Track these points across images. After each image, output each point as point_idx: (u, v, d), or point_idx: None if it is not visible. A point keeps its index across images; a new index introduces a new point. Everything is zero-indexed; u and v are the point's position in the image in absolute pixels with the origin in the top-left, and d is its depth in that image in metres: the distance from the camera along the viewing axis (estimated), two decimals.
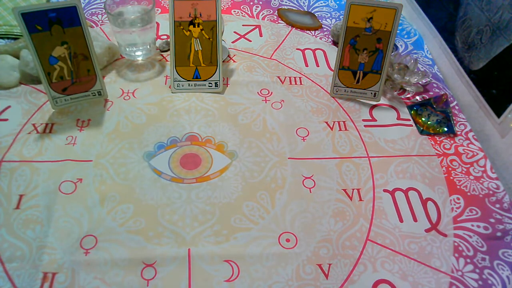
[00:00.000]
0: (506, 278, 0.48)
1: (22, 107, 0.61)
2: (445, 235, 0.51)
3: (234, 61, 0.72)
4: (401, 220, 0.52)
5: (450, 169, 0.58)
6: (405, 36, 0.82)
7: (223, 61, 0.70)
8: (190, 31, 0.64)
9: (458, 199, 0.55)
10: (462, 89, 0.70)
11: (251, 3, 0.87)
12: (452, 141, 0.62)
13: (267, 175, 0.55)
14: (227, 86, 0.68)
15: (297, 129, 0.62)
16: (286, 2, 0.88)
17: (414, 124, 0.64)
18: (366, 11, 0.62)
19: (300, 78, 0.70)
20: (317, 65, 0.73)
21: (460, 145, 0.61)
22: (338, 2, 0.90)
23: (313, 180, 0.56)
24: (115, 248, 0.47)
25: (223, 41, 0.69)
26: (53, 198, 0.51)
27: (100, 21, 0.79)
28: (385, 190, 0.55)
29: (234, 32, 0.79)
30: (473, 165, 0.59)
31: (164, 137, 0.59)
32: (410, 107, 0.67)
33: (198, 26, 0.64)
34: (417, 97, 0.69)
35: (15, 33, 0.73)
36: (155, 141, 0.58)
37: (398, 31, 0.78)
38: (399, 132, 0.63)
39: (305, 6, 0.88)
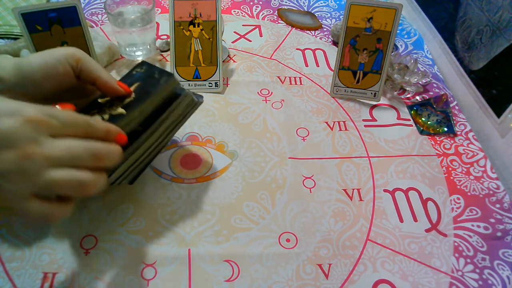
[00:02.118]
0: (506, 278, 0.48)
1: None
2: (445, 235, 0.51)
3: (234, 61, 0.72)
4: (401, 220, 0.52)
5: (450, 169, 0.59)
6: (405, 36, 0.82)
7: (223, 61, 0.70)
8: (190, 31, 0.64)
9: (458, 199, 0.55)
10: (462, 89, 0.70)
11: (251, 3, 0.87)
12: (452, 141, 0.62)
13: (268, 175, 0.55)
14: (227, 86, 0.68)
15: (297, 129, 0.62)
16: (286, 2, 0.88)
17: (414, 124, 0.64)
18: (366, 11, 0.62)
19: (300, 78, 0.70)
20: (317, 65, 0.73)
21: (460, 145, 0.62)
22: (338, 2, 0.90)
23: (313, 180, 0.56)
24: (115, 248, 0.47)
25: (223, 41, 0.69)
26: None
27: (100, 21, 0.79)
28: (385, 190, 0.55)
29: (234, 32, 0.79)
30: (473, 165, 0.59)
31: None
32: (410, 107, 0.67)
33: (198, 26, 0.64)
34: (417, 97, 0.69)
35: (15, 33, 0.73)
36: None
37: (398, 31, 0.78)
38: (399, 132, 0.63)
39: (305, 6, 0.88)
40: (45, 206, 0.34)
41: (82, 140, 0.35)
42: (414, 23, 0.85)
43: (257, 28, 0.80)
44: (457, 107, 0.67)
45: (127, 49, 0.67)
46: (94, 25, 0.78)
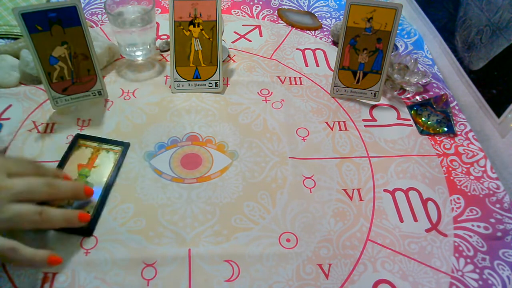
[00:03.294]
0: (506, 278, 0.48)
1: (22, 104, 0.61)
2: (445, 235, 0.51)
3: (234, 61, 0.72)
4: (401, 220, 0.52)
5: (450, 169, 0.59)
6: (405, 36, 0.82)
7: (223, 61, 0.70)
8: (190, 31, 0.64)
9: (459, 199, 0.55)
10: (462, 89, 0.70)
11: (251, 3, 0.87)
12: (452, 141, 0.62)
13: (268, 175, 0.55)
14: (227, 86, 0.68)
15: (297, 129, 0.62)
16: (286, 2, 0.88)
17: (414, 124, 0.64)
18: (366, 11, 0.62)
19: (300, 78, 0.70)
20: (317, 65, 0.73)
21: (460, 145, 0.62)
22: (338, 2, 0.90)
23: (314, 180, 0.56)
24: (115, 248, 0.47)
25: (223, 41, 0.69)
26: None
27: (100, 21, 0.79)
28: (385, 190, 0.55)
29: (234, 32, 0.79)
30: (473, 165, 0.59)
31: (164, 137, 0.59)
32: (410, 107, 0.67)
33: (198, 26, 0.64)
34: (417, 97, 0.69)
35: (15, 33, 0.73)
36: (156, 141, 0.58)
37: (398, 31, 0.78)
38: (399, 132, 0.63)
39: (305, 6, 0.88)
40: (4, 240, 0.39)
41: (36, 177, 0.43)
42: (414, 23, 0.85)
43: (257, 28, 0.80)
44: (457, 107, 0.67)
45: (127, 49, 0.67)
46: (94, 25, 0.78)
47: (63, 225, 0.44)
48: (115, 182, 0.53)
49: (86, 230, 0.47)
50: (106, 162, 0.54)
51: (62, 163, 0.53)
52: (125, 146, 0.57)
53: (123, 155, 0.55)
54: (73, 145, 0.55)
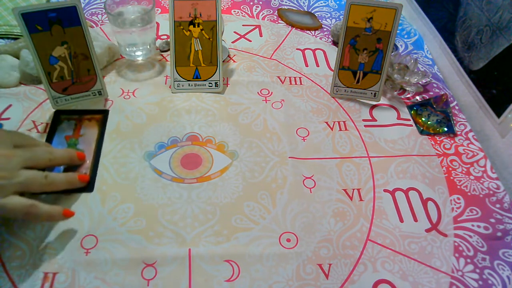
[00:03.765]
0: (506, 278, 0.48)
1: (22, 104, 0.61)
2: (446, 235, 0.51)
3: (234, 61, 0.72)
4: (401, 220, 0.52)
5: (450, 169, 0.59)
6: (405, 36, 0.82)
7: (223, 61, 0.70)
8: (190, 31, 0.64)
9: (459, 199, 0.55)
10: (462, 89, 0.70)
11: (251, 3, 0.87)
12: (452, 141, 0.62)
13: (268, 175, 0.55)
14: (227, 86, 0.68)
15: (297, 129, 0.62)
16: (286, 2, 0.88)
17: (414, 124, 0.64)
18: (366, 11, 0.62)
19: (300, 78, 0.70)
20: (317, 65, 0.73)
21: (460, 145, 0.62)
22: (338, 2, 0.90)
23: (314, 180, 0.56)
24: (115, 248, 0.47)
25: (223, 41, 0.69)
26: (53, 198, 0.50)
27: (100, 21, 0.79)
28: (385, 190, 0.55)
29: (234, 32, 0.79)
30: (473, 165, 0.59)
31: (164, 137, 0.59)
32: (410, 107, 0.67)
33: (198, 26, 0.64)
34: (417, 97, 0.69)
35: (15, 33, 0.73)
36: (156, 141, 0.58)
37: (398, 31, 0.78)
38: (399, 132, 0.63)
39: (305, 6, 0.88)
40: (25, 199, 0.43)
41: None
42: (414, 23, 0.85)
43: (257, 28, 0.80)
44: (457, 107, 0.67)
45: (127, 49, 0.67)
46: (94, 25, 0.78)
47: (65, 187, 0.49)
48: (103, 144, 0.57)
49: (88, 187, 0.52)
50: (90, 130, 0.58)
51: (50, 138, 0.57)
52: (105, 112, 0.60)
53: (105, 120, 0.60)
54: (56, 121, 0.59)
